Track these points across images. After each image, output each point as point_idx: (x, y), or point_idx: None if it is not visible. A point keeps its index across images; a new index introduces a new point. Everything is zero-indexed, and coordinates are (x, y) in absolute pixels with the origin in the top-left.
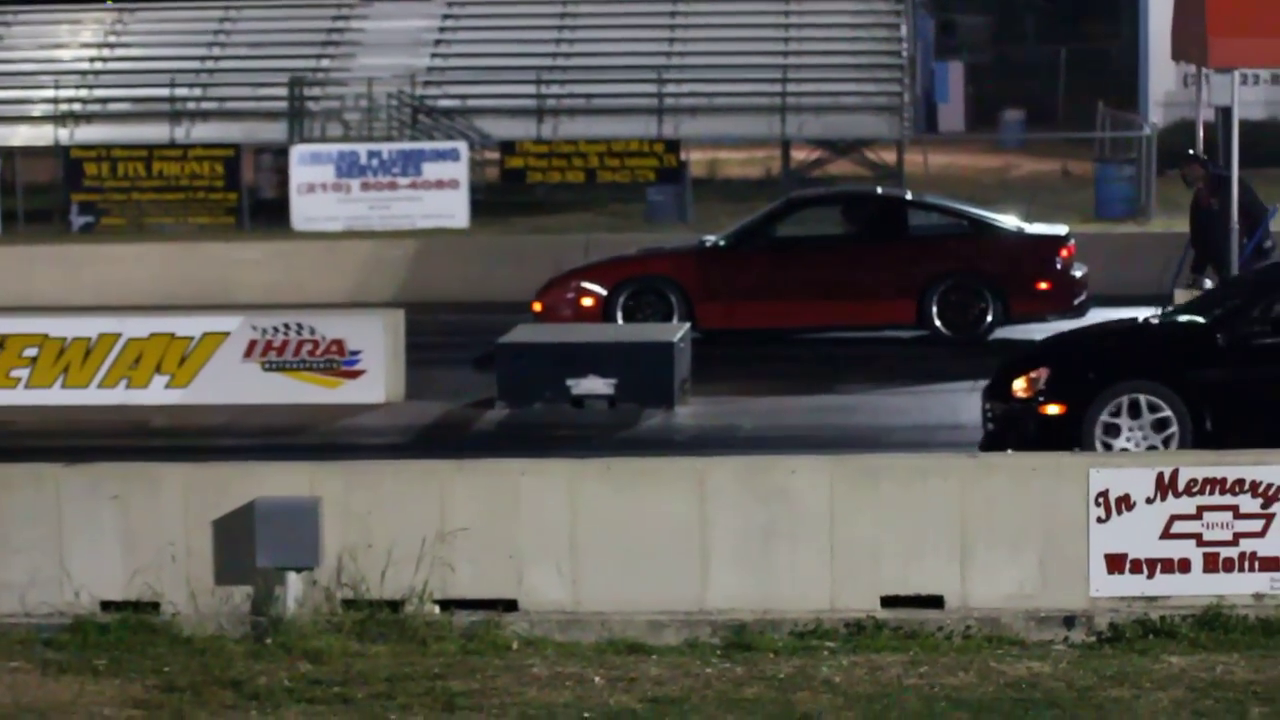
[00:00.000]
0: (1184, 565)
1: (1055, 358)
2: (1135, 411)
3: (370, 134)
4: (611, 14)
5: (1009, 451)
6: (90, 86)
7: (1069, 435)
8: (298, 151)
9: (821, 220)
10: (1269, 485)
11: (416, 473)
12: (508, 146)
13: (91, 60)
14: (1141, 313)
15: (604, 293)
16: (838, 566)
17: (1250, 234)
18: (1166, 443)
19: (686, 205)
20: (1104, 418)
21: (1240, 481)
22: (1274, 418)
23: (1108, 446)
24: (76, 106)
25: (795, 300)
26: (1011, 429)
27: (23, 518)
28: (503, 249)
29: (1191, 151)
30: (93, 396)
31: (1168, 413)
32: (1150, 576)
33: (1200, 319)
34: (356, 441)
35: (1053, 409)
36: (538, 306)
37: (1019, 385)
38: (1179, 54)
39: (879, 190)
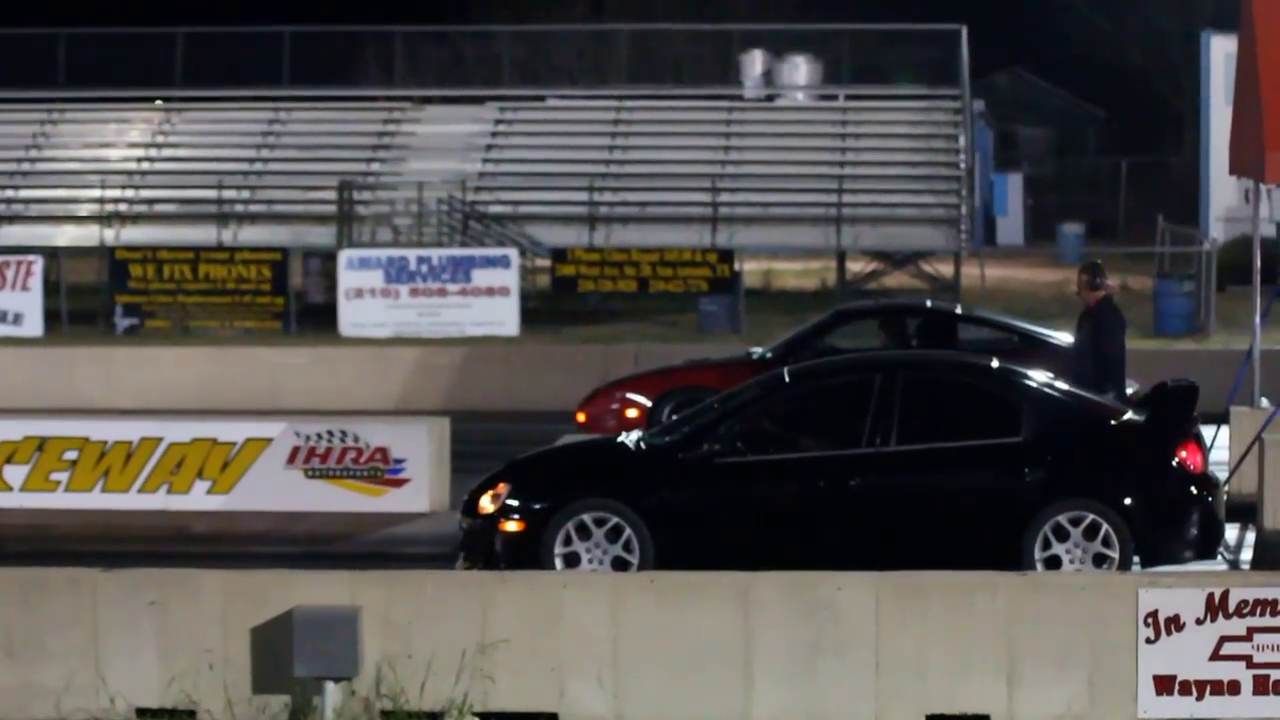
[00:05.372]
0: (1234, 687)
1: (517, 473)
2: (594, 530)
3: (420, 239)
4: (666, 121)
5: (478, 568)
6: (137, 187)
7: (529, 553)
8: (346, 256)
9: (870, 333)
10: None
11: (458, 583)
12: (559, 254)
13: (139, 160)
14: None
15: (648, 404)
16: (883, 683)
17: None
18: (625, 565)
19: (739, 316)
20: (562, 535)
21: None
22: (724, 538)
23: (568, 563)
24: (123, 207)
25: None
26: (478, 546)
27: (59, 622)
28: (552, 358)
29: (1099, 262)
30: (133, 501)
31: (628, 532)
32: (1200, 698)
33: (669, 437)
34: (399, 551)
35: (512, 526)
36: (581, 417)
37: (484, 501)
38: (1236, 169)
39: (929, 303)
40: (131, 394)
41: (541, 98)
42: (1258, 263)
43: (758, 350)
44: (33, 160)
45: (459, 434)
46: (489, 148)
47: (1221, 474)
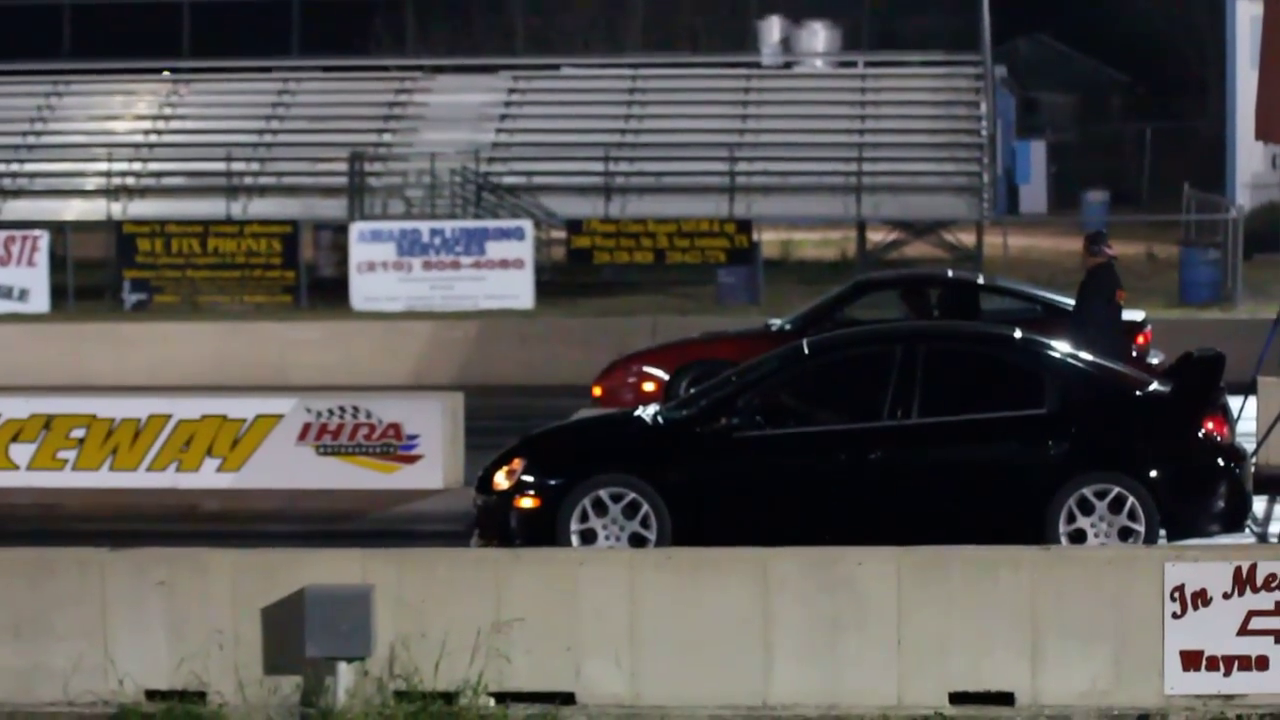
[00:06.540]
0: (1262, 662)
1: (532, 449)
2: (611, 506)
3: (433, 211)
4: (682, 90)
5: (494, 545)
6: (144, 160)
7: (545, 530)
8: (358, 229)
9: (891, 304)
10: None
11: (473, 561)
12: (574, 225)
13: (146, 133)
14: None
15: (665, 377)
16: (905, 661)
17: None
18: (642, 541)
19: (758, 287)
20: (579, 511)
21: None
22: (743, 513)
23: (585, 539)
24: (130, 180)
25: None
26: (493, 523)
27: (67, 603)
28: (568, 331)
29: (1102, 230)
30: (141, 479)
31: (645, 508)
32: (1227, 674)
33: (687, 411)
34: (412, 528)
35: (527, 502)
36: (598, 391)
37: (499, 477)
38: (1263, 134)
39: (950, 273)
40: (140, 370)
41: (555, 66)
42: None
43: (776, 322)
44: (38, 133)
45: (473, 409)
46: (502, 117)
47: (1249, 445)
